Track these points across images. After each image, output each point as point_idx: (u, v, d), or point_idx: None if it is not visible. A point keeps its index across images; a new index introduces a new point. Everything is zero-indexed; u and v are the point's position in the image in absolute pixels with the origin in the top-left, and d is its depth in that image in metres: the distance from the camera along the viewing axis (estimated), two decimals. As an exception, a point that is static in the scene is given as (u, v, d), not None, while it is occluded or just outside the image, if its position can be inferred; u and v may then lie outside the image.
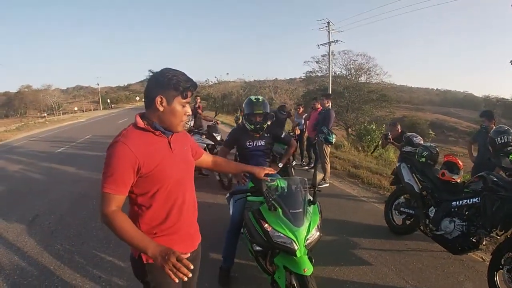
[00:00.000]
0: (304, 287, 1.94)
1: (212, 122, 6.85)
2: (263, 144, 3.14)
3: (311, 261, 2.01)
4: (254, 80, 44.96)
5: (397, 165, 4.02)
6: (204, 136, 6.31)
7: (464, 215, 3.05)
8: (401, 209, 3.82)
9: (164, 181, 1.41)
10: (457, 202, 3.10)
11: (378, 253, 3.43)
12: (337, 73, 30.27)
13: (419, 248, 3.54)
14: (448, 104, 69.18)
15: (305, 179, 2.22)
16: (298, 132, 7.44)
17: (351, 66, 29.80)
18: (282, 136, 3.32)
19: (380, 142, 5.98)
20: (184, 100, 1.39)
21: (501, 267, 2.58)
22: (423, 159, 3.62)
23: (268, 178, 2.18)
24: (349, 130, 23.89)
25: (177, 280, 1.20)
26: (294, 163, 5.69)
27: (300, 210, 2.03)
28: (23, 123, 27.13)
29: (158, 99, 1.34)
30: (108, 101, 69.39)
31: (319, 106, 6.80)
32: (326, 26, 23.74)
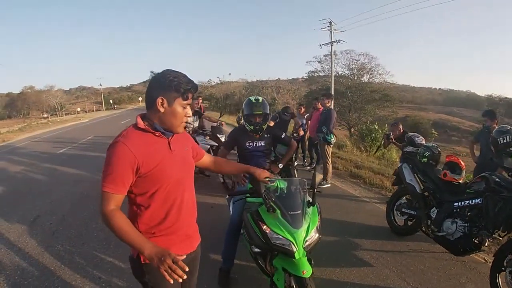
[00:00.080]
0: None
1: (216, 123, 6.82)
2: (263, 144, 3.13)
3: (310, 263, 1.99)
4: (257, 80, 45.07)
5: (399, 166, 4.00)
6: (208, 137, 6.29)
7: (466, 216, 3.02)
8: (403, 209, 3.80)
9: (163, 181, 1.42)
10: (459, 203, 3.07)
11: (379, 254, 3.41)
12: (340, 73, 30.26)
13: (420, 249, 3.52)
14: (451, 104, 68.99)
15: (305, 180, 2.20)
16: (301, 133, 7.42)
17: (354, 65, 29.76)
18: (282, 136, 3.31)
19: (382, 142, 5.97)
20: (185, 102, 1.41)
21: (503, 268, 2.55)
22: (425, 159, 3.60)
23: (268, 179, 2.17)
24: (352, 130, 23.83)
25: (172, 281, 1.22)
26: (296, 163, 5.67)
27: (299, 211, 2.01)
28: (25, 124, 27.27)
29: (159, 100, 1.36)
30: (111, 101, 69.58)
31: (320, 106, 6.77)
32: (328, 26, 23.66)
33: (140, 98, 73.23)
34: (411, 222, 3.75)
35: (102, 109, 62.79)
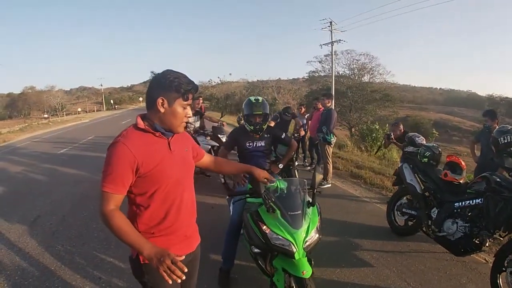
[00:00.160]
0: None
1: (217, 124, 6.80)
2: (263, 145, 3.13)
3: (310, 263, 1.99)
4: (257, 80, 45.07)
5: (400, 166, 3.99)
6: (209, 138, 6.27)
7: (467, 216, 3.01)
8: (403, 210, 3.79)
9: (162, 181, 1.42)
10: (460, 203, 3.06)
11: (380, 255, 3.40)
12: (340, 72, 30.24)
13: (421, 250, 3.51)
14: (452, 103, 68.97)
15: (305, 180, 2.20)
16: (302, 133, 7.40)
17: (354, 65, 29.72)
18: (282, 136, 3.30)
19: (383, 142, 5.95)
20: (185, 102, 1.42)
21: (504, 269, 2.54)
22: (426, 160, 3.60)
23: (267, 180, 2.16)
24: (353, 130, 23.81)
25: (170, 282, 1.23)
26: (296, 163, 5.66)
27: (299, 212, 2.01)
28: (26, 124, 27.29)
29: (160, 100, 1.37)
30: (112, 102, 69.67)
31: (320, 106, 6.77)
32: (329, 26, 23.65)
33: (141, 98, 73.34)
34: (412, 222, 3.75)
35: (102, 109, 62.77)
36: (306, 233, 1.97)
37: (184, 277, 1.23)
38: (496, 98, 50.72)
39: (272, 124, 6.60)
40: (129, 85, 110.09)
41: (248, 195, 2.30)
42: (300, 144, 8.09)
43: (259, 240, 2.08)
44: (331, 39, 23.94)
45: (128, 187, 1.37)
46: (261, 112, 3.00)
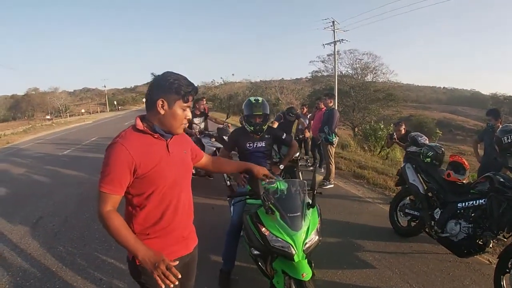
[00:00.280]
0: None
1: (223, 125, 6.77)
2: (263, 145, 3.12)
3: (310, 266, 1.97)
4: (260, 80, 45.10)
5: (402, 166, 3.96)
6: (214, 139, 6.25)
7: (470, 217, 2.98)
8: (406, 210, 3.76)
9: (160, 183, 1.42)
10: (463, 204, 3.03)
11: (382, 256, 3.38)
12: (343, 72, 30.09)
13: (424, 251, 3.48)
14: (455, 103, 68.60)
15: (305, 181, 2.19)
16: (307, 135, 7.34)
17: (357, 65, 29.60)
18: (283, 137, 3.28)
19: (386, 142, 5.91)
20: (185, 104, 1.42)
21: (508, 270, 2.51)
22: (428, 159, 3.56)
23: (268, 180, 2.15)
24: (356, 129, 23.75)
25: (163, 286, 1.26)
26: (300, 163, 5.61)
27: (298, 213, 1.99)
28: (30, 126, 27.51)
29: (160, 102, 1.38)
30: (115, 103, 69.91)
31: (323, 106, 6.74)
32: (331, 26, 23.58)
33: (144, 99, 73.50)
34: (415, 223, 3.71)
35: (106, 110, 63.07)
36: (306, 235, 1.95)
37: (177, 283, 1.26)
38: (499, 97, 50.35)
39: (276, 124, 6.59)
40: (132, 86, 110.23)
41: (248, 197, 2.28)
42: (303, 144, 8.06)
43: (258, 242, 2.07)
44: (334, 38, 23.83)
45: (126, 188, 1.38)
46: (261, 113, 2.98)
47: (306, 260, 1.97)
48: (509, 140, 3.14)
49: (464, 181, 3.28)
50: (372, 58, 29.01)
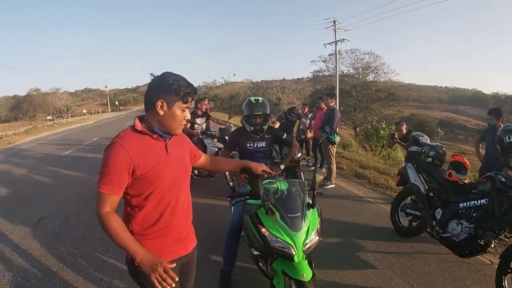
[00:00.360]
0: None
1: (225, 125, 6.76)
2: (263, 145, 3.11)
3: (311, 266, 1.96)
4: (262, 80, 45.05)
5: (403, 165, 3.95)
6: (216, 140, 6.24)
7: (472, 217, 2.96)
8: (408, 210, 3.74)
9: (158, 183, 1.42)
10: (465, 204, 3.01)
11: (383, 256, 3.36)
12: (345, 72, 30.05)
13: (425, 251, 3.46)
14: (457, 102, 68.49)
15: (305, 182, 2.18)
16: (310, 135, 7.32)
17: (359, 65, 29.55)
18: (284, 137, 3.27)
19: (387, 141, 5.89)
20: (185, 105, 1.42)
21: (510, 270, 2.49)
22: (430, 159, 3.54)
23: (268, 180, 2.14)
24: (357, 129, 23.70)
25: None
26: (301, 163, 5.58)
27: (298, 214, 1.98)
28: (31, 126, 27.57)
29: (159, 103, 1.37)
30: (117, 103, 70.06)
31: (324, 105, 6.72)
32: (332, 25, 23.54)
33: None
34: (416, 223, 3.70)
35: (107, 110, 63.21)
36: (306, 236, 1.94)
37: (174, 285, 1.29)
38: (501, 96, 49.98)
39: (277, 124, 6.57)
40: (134, 87, 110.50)
41: (248, 197, 2.27)
42: (304, 144, 8.04)
43: (258, 242, 2.06)
44: (335, 38, 23.79)
45: (125, 189, 1.37)
46: (261, 113, 2.97)
47: (306, 261, 1.96)
48: (511, 140, 3.12)
49: (465, 181, 3.26)
50: (373, 57, 28.98)
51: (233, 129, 6.40)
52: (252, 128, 3.00)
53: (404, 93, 33.43)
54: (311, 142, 7.91)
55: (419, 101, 65.87)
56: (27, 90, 65.27)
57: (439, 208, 3.28)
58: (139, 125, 1.41)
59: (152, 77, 1.43)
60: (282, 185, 2.17)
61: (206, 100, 7.37)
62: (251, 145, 3.08)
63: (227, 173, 4.02)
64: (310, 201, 2.12)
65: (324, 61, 30.90)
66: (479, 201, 2.90)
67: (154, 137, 1.42)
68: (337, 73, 24.93)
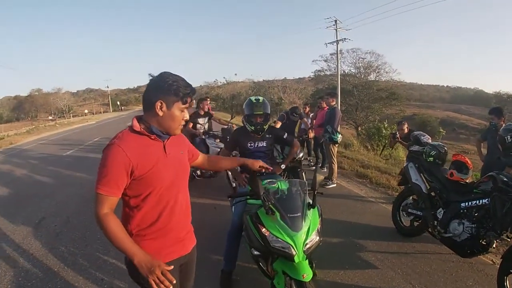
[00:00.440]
0: None
1: (227, 126, 6.73)
2: (264, 145, 3.11)
3: (311, 266, 1.96)
4: (263, 80, 44.98)
5: (405, 165, 3.93)
6: (218, 140, 6.23)
7: (473, 217, 2.94)
8: (409, 210, 3.73)
9: (156, 184, 1.42)
10: (466, 203, 3.00)
11: (385, 256, 3.35)
12: (346, 71, 30.09)
13: (427, 251, 3.45)
14: (459, 101, 68.37)
15: (305, 181, 2.17)
16: (311, 135, 7.30)
17: (360, 64, 29.59)
18: (284, 137, 3.27)
19: (388, 141, 5.88)
20: (184, 106, 1.41)
21: (511, 270, 2.49)
22: (431, 159, 3.53)
23: (268, 180, 2.13)
24: (359, 128, 23.67)
25: None
26: (303, 163, 5.56)
27: (299, 214, 1.97)
28: (33, 126, 27.68)
29: (158, 104, 1.36)
30: (118, 103, 70.20)
31: (325, 105, 6.71)
32: (334, 25, 23.51)
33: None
34: (417, 223, 3.69)
35: (109, 110, 63.33)
36: (306, 236, 1.93)
37: (171, 287, 1.30)
38: (503, 96, 49.70)
39: (279, 124, 6.56)
40: (135, 87, 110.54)
41: (248, 197, 2.27)
42: (305, 144, 8.02)
43: (258, 242, 2.05)
44: (336, 37, 23.76)
45: (123, 190, 1.37)
46: (261, 112, 2.97)
47: (306, 261, 1.95)
48: (513, 139, 3.11)
49: (467, 181, 3.24)
50: (375, 57, 29.03)
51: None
52: (252, 127, 3.00)
53: (406, 93, 33.43)
54: (313, 142, 7.90)
55: (421, 101, 65.83)
56: (28, 91, 65.76)
57: (441, 208, 3.26)
58: (137, 126, 1.41)
59: (151, 78, 1.42)
60: (283, 185, 2.17)
61: (208, 100, 7.36)
62: (252, 144, 3.07)
63: (230, 173, 4.01)
64: (311, 201, 2.12)
65: (325, 61, 30.93)
66: (480, 201, 2.89)
67: (153, 137, 1.41)
68: (339, 73, 24.92)
